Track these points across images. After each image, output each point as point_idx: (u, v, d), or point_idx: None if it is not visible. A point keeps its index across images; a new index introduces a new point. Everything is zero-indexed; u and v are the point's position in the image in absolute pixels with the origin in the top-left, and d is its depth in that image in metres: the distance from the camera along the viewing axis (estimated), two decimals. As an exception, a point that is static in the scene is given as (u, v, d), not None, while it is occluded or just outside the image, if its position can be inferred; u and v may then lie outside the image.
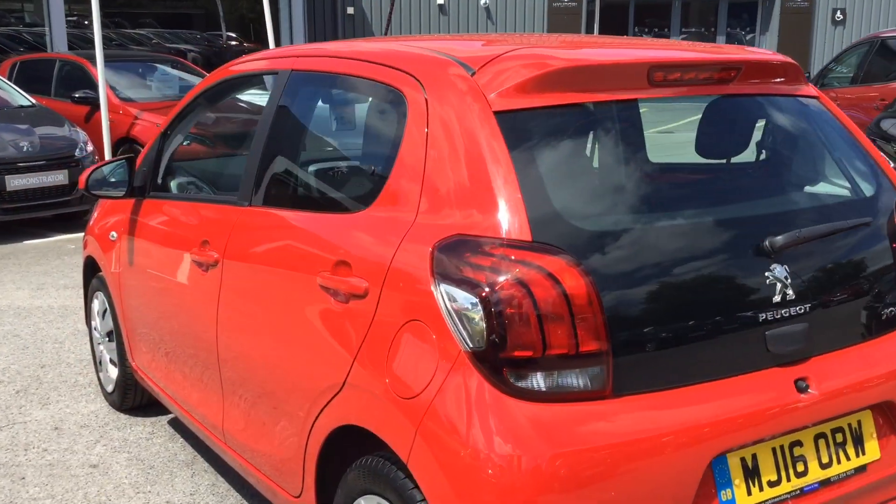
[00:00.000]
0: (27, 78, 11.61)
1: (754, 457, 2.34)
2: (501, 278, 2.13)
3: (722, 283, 2.36)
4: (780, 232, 2.42)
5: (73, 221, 9.40)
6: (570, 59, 2.44)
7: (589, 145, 2.55)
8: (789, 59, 2.81)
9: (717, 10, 23.48)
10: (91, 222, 4.70)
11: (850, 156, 2.84)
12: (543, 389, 2.13)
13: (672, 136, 8.75)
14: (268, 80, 3.38)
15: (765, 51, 2.87)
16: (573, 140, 2.42)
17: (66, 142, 9.22)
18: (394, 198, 2.49)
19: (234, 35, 25.98)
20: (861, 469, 2.49)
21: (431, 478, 2.18)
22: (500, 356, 2.11)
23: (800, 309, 2.41)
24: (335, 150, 3.29)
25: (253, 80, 3.59)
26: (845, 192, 2.78)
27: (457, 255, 2.21)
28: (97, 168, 3.97)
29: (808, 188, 2.80)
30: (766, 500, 2.34)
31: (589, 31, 20.79)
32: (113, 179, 3.98)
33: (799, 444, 2.41)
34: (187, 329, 3.51)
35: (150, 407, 4.56)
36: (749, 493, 2.31)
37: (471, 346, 2.14)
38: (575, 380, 2.14)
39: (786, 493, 2.37)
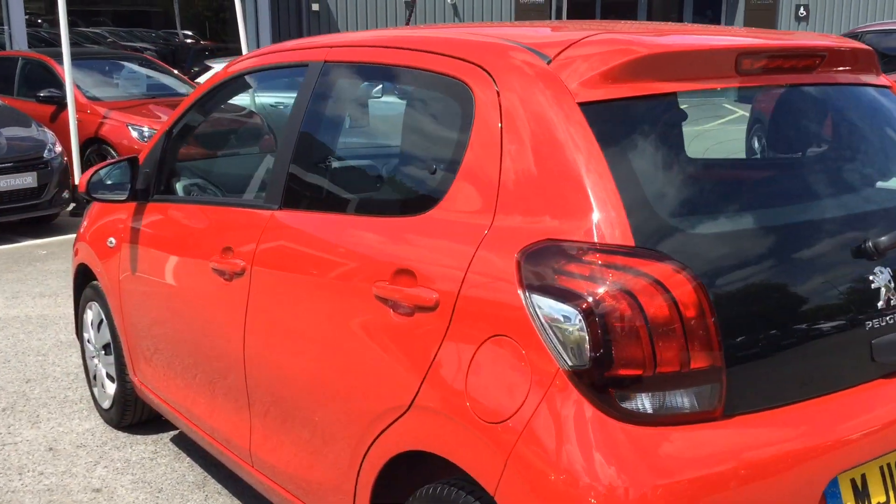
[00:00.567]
0: (-12, 77, 11.18)
1: (863, 477, 2.16)
2: (604, 288, 1.91)
3: (826, 288, 2.17)
4: (881, 232, 2.23)
5: (43, 225, 9.03)
6: (657, 45, 2.22)
7: (680, 139, 2.34)
8: (869, 48, 2.62)
9: (681, 6, 23.51)
10: (82, 228, 4.40)
11: None
12: (650, 411, 1.92)
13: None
14: (291, 73, 3.12)
15: (843, 38, 2.69)
16: (664, 133, 2.21)
17: (34, 143, 8.83)
18: (462, 199, 2.26)
19: (189, 33, 25.44)
20: None
21: None
22: (606, 375, 1.89)
23: None
24: (382, 147, 3.03)
25: (272, 74, 3.33)
26: None
27: (550, 262, 1.98)
28: (98, 169, 3.68)
29: (880, 183, 2.63)
30: None
31: (555, 27, 20.55)
32: (111, 182, 3.70)
33: None
34: (204, 342, 3.24)
35: (150, 423, 4.28)
36: None
37: (571, 363, 1.92)
38: (684, 400, 1.93)
39: None
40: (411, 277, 2.28)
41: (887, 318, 2.20)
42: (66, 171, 9.06)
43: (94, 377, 4.40)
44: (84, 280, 4.45)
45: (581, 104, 2.12)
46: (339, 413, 2.53)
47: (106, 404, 4.30)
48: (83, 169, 9.83)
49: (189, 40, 24.84)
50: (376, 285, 2.37)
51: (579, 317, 1.91)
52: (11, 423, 4.37)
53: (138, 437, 4.21)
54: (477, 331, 2.09)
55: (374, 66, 2.74)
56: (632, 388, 1.90)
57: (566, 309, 1.93)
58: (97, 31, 24.51)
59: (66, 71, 9.61)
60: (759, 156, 2.39)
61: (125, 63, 11.88)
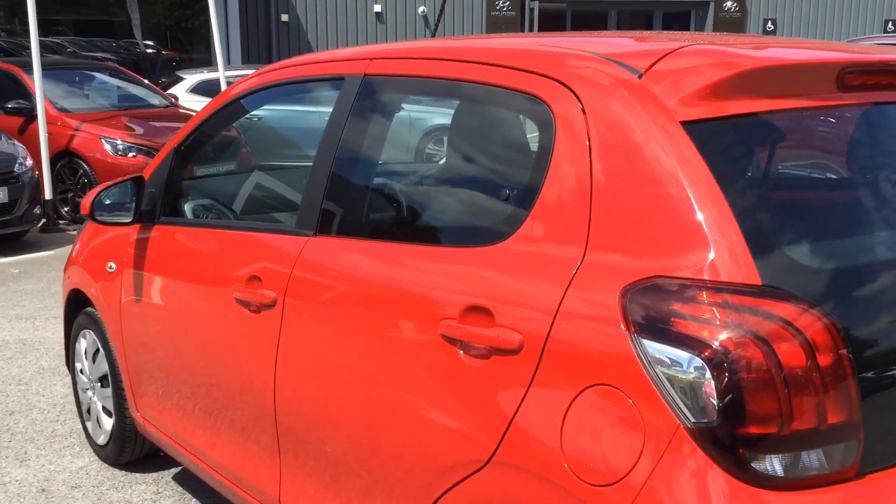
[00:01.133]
0: (-49, 88, 10.75)
1: None
2: (732, 332, 1.69)
3: None
4: None
5: (13, 242, 8.64)
6: (761, 59, 2.01)
7: (784, 161, 2.13)
8: None
9: (651, 19, 23.53)
10: (74, 252, 4.10)
11: None
12: (780, 474, 1.69)
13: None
14: (320, 87, 2.88)
15: None
16: (771, 156, 2.00)
17: (5, 156, 8.46)
18: (542, 229, 2.03)
19: (150, 43, 24.97)
20: None
21: None
22: (736, 433, 1.67)
23: None
24: (436, 169, 2.77)
25: (298, 88, 3.08)
26: None
27: (663, 303, 1.76)
28: (101, 190, 3.40)
29: None
30: None
31: (526, 40, 20.46)
32: (108, 201, 3.43)
33: None
34: (224, 378, 2.97)
35: (150, 460, 3.99)
36: None
37: (693, 419, 1.69)
38: (817, 459, 1.71)
39: None
40: (486, 316, 2.04)
41: None
42: (38, 185, 8.70)
43: (88, 411, 4.10)
44: (76, 307, 4.15)
45: (684, 123, 1.90)
46: (393, 465, 2.28)
47: (101, 440, 4.00)
48: (54, 184, 9.46)
49: (150, 50, 24.39)
50: (443, 323, 2.13)
51: (703, 366, 1.68)
52: (-3, 460, 4.05)
53: (137, 475, 3.92)
54: (572, 379, 1.86)
55: (424, 80, 2.50)
56: (764, 447, 1.68)
57: (686, 356, 1.70)
58: (57, 40, 23.96)
59: (37, 82, 9.25)
60: (861, 178, 2.19)
61: (95, 73, 11.51)
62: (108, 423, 3.93)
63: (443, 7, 19.01)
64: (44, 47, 22.59)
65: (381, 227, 2.56)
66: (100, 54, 22.52)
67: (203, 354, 3.09)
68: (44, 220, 9.15)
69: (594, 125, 1.99)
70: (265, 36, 19.40)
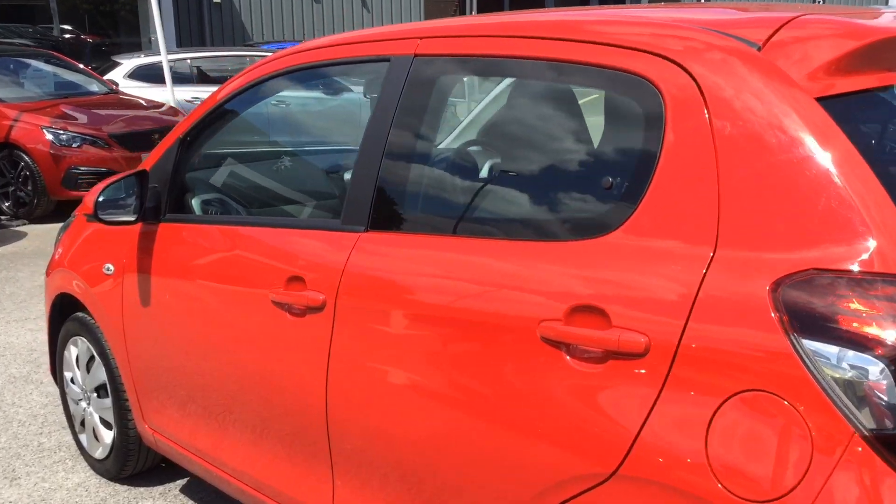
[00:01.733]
0: None
1: None
2: None
3: None
4: None
5: (-44, 241, 8.19)
6: (886, 29, 1.87)
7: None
8: None
9: (587, 3, 23.50)
10: (58, 255, 3.81)
11: None
12: None
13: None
14: (360, 69, 2.66)
15: None
16: None
17: (-57, 150, 7.99)
18: (658, 221, 1.86)
19: (68, 28, 24.10)
20: None
21: None
22: None
23: None
24: (513, 156, 2.56)
25: (329, 71, 2.85)
26: None
27: (826, 298, 1.60)
28: (105, 187, 3.14)
29: None
30: None
31: (463, 19, 20.25)
32: (114, 198, 3.17)
33: None
34: (262, 387, 2.74)
35: (152, 472, 3.74)
36: None
37: (870, 426, 1.55)
38: None
39: None
40: (599, 317, 1.86)
41: None
42: (-22, 180, 8.24)
43: (82, 423, 3.82)
44: (61, 313, 3.87)
45: (819, 99, 1.75)
46: (486, 480, 2.09)
47: (99, 454, 3.73)
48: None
49: (67, 35, 23.54)
50: (543, 325, 1.94)
51: (882, 368, 1.54)
52: (-16, 480, 3.75)
53: (142, 489, 3.66)
54: (716, 384, 1.70)
55: (493, 59, 2.29)
56: None
57: (862, 358, 1.56)
58: (-30, 28, 22.98)
59: (-27, 70, 8.76)
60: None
61: (30, 61, 10.97)
62: (107, 435, 3.66)
63: None
64: (-46, 34, 21.63)
65: (450, 220, 2.35)
66: (17, 40, 21.65)
67: (231, 361, 2.85)
68: (-15, 216, 8.70)
69: (713, 105, 1.82)
70: (197, 18, 18.85)
